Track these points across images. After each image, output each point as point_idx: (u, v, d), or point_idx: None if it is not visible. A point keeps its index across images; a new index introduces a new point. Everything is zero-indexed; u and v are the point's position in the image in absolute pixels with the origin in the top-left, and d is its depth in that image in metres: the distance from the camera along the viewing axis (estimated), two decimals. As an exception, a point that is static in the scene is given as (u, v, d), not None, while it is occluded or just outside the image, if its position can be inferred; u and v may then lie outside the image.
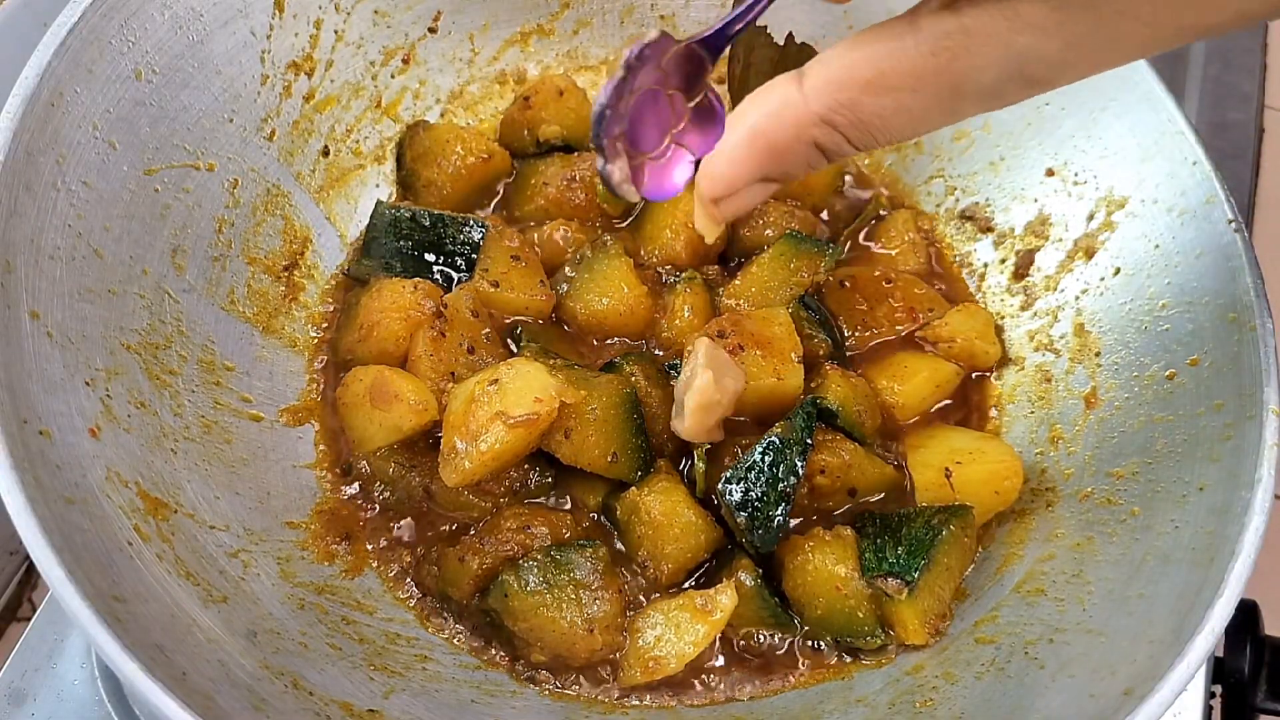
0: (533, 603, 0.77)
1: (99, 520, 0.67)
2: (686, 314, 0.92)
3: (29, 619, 0.85)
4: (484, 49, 1.08)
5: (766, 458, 0.80)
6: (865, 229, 1.04)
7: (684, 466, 0.87)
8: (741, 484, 0.80)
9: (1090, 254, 0.94)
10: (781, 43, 0.76)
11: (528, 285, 0.93)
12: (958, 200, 1.06)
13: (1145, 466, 0.81)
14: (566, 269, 0.95)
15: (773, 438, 0.81)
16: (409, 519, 0.86)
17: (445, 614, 0.83)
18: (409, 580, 0.84)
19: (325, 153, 0.99)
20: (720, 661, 0.82)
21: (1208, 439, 0.77)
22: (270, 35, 0.92)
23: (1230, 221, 0.83)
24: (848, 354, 0.95)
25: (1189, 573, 0.71)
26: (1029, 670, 0.75)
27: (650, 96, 0.53)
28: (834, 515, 0.88)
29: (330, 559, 0.83)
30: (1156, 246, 0.88)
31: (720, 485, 0.81)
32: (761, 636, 0.83)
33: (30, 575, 1.20)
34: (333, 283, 0.97)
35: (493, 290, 0.91)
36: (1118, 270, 0.91)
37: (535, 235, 0.98)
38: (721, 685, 0.81)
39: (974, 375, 0.98)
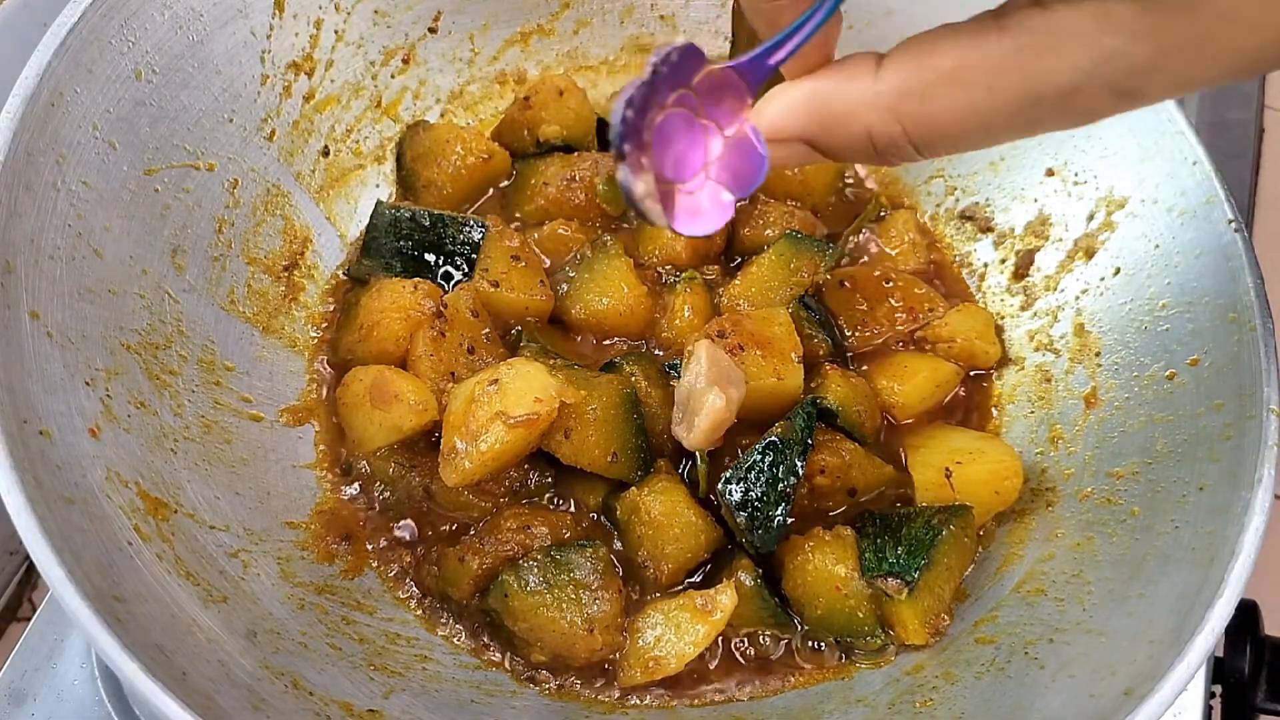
0: (533, 603, 0.77)
1: (99, 520, 0.67)
2: (686, 314, 0.92)
3: (29, 619, 0.85)
4: (484, 49, 1.08)
5: (766, 458, 0.80)
6: (865, 229, 1.04)
7: (684, 467, 0.87)
8: (741, 484, 0.80)
9: (1090, 254, 0.94)
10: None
11: (528, 285, 0.92)
12: (958, 200, 1.06)
13: (1145, 466, 0.81)
14: (567, 269, 0.95)
15: (773, 438, 0.81)
16: (409, 519, 0.86)
17: (445, 614, 0.83)
18: (409, 580, 0.84)
19: (325, 153, 0.99)
20: (720, 662, 0.82)
21: (1208, 439, 0.77)
22: (270, 35, 0.92)
23: (1230, 221, 0.83)
24: (848, 354, 0.95)
25: (1189, 573, 0.71)
26: (1029, 670, 0.75)
27: (682, 121, 0.51)
28: (834, 515, 0.88)
29: (330, 559, 0.83)
30: (1156, 246, 0.88)
31: (720, 485, 0.81)
32: (762, 637, 0.83)
33: (30, 575, 1.20)
34: (333, 283, 0.97)
35: (493, 290, 0.91)
36: (1118, 270, 0.91)
37: (535, 235, 0.98)
38: (721, 685, 0.82)
39: (974, 375, 0.98)
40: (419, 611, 0.83)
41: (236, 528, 0.78)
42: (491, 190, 1.04)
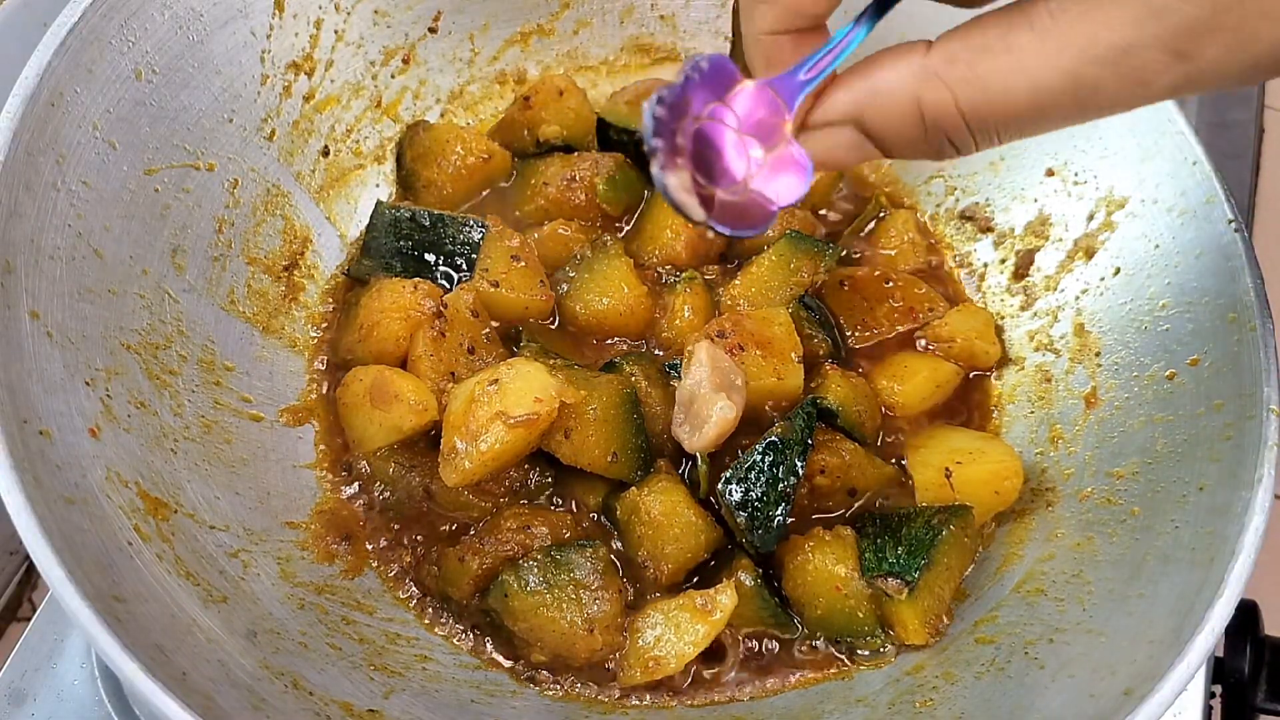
0: (533, 603, 0.77)
1: (99, 520, 0.67)
2: (686, 314, 0.92)
3: (29, 619, 0.85)
4: (484, 49, 1.08)
5: (766, 458, 0.80)
6: (865, 229, 1.04)
7: (684, 467, 0.87)
8: (742, 484, 0.80)
9: (1090, 254, 0.94)
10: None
11: (528, 285, 0.92)
12: (958, 200, 1.06)
13: (1145, 466, 0.81)
14: (567, 269, 0.95)
15: (773, 438, 0.81)
16: (409, 519, 0.86)
17: (445, 614, 0.83)
18: (409, 580, 0.84)
19: (325, 153, 0.99)
20: (720, 661, 0.82)
21: (1208, 439, 0.77)
22: (270, 35, 0.92)
23: (1230, 221, 0.83)
24: (848, 354, 0.95)
25: (1189, 573, 0.71)
26: (1029, 670, 0.75)
27: (721, 133, 0.51)
28: (834, 515, 0.88)
29: (330, 559, 0.83)
30: (1156, 246, 0.88)
31: (720, 485, 0.81)
32: (762, 637, 0.83)
33: (30, 575, 1.20)
34: (333, 283, 0.97)
35: (493, 290, 0.91)
36: (1118, 270, 0.91)
37: (535, 235, 0.98)
38: (721, 685, 0.81)
39: (974, 375, 0.98)
40: (419, 611, 0.83)
41: (236, 528, 0.78)
42: (490, 190, 1.04)
